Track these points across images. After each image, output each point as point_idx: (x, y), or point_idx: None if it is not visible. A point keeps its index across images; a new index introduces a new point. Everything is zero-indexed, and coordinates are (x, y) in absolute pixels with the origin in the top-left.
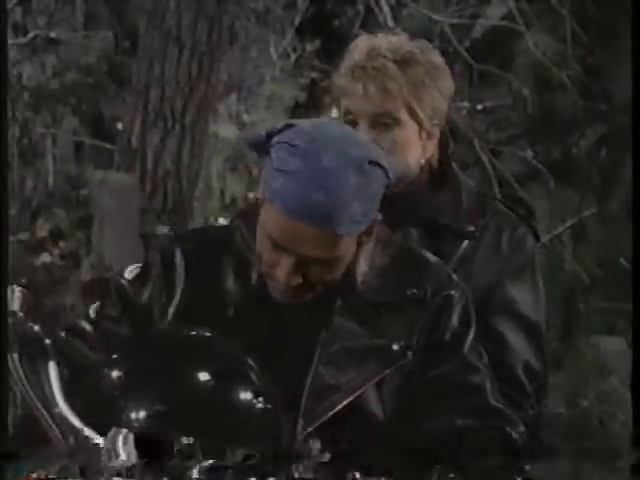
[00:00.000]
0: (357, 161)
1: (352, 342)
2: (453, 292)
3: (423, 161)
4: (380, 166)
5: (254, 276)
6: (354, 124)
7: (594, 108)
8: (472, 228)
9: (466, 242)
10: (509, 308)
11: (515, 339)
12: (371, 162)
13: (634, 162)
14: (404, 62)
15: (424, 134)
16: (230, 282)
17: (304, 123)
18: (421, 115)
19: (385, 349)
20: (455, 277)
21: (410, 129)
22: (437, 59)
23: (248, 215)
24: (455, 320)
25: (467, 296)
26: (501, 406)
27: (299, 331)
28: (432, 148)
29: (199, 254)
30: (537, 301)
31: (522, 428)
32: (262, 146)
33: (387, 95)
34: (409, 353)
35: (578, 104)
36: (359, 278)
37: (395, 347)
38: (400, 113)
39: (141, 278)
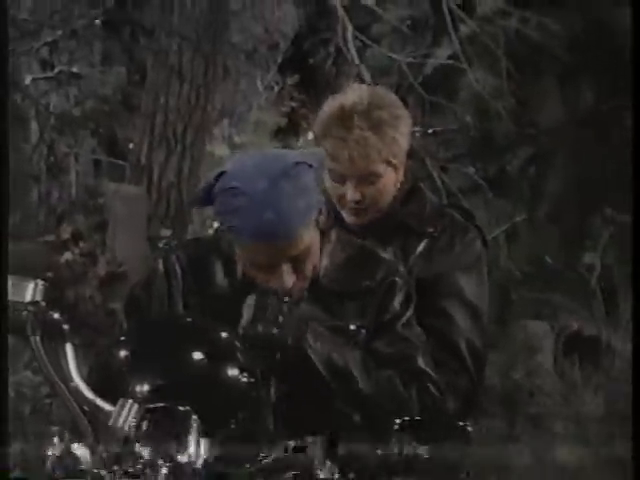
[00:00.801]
0: (281, 171)
1: (317, 324)
2: (397, 279)
3: (398, 185)
4: (302, 163)
5: (239, 271)
6: (343, 181)
7: (524, 133)
8: (431, 230)
9: (426, 240)
10: (458, 295)
11: (461, 320)
12: (293, 164)
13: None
14: (375, 126)
15: (397, 170)
16: (219, 277)
17: (231, 166)
18: (394, 162)
19: (344, 329)
20: (401, 269)
21: (388, 175)
22: (396, 105)
23: None
24: (397, 304)
25: (409, 283)
26: (429, 370)
27: None
28: (402, 173)
29: (192, 258)
30: (482, 292)
31: (460, 394)
32: (206, 200)
33: (369, 160)
34: (362, 331)
35: (511, 130)
36: (322, 272)
37: (352, 327)
38: (380, 169)
39: (148, 280)
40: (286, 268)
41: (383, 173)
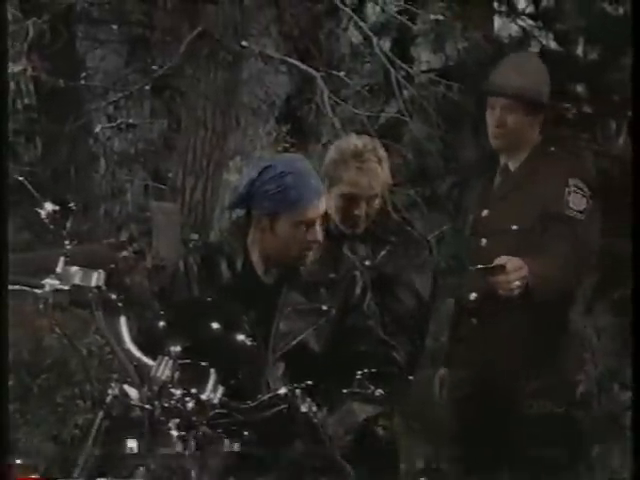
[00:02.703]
0: (300, 157)
1: (298, 306)
2: (356, 273)
3: (378, 205)
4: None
5: (239, 266)
6: (351, 200)
7: (449, 166)
8: (393, 239)
9: (388, 246)
10: (410, 286)
11: (410, 303)
12: (301, 155)
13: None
14: (379, 161)
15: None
16: (224, 270)
17: (266, 163)
18: (384, 188)
19: (318, 309)
20: (359, 265)
21: (379, 196)
22: (383, 150)
23: (232, 234)
24: (358, 290)
25: (365, 277)
26: (387, 338)
27: (267, 300)
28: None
29: (204, 257)
30: (426, 284)
31: (402, 353)
32: (247, 195)
33: (377, 184)
34: (332, 310)
35: (440, 163)
36: (301, 267)
37: (324, 307)
38: (378, 192)
39: (172, 274)
40: (318, 226)
41: (379, 194)
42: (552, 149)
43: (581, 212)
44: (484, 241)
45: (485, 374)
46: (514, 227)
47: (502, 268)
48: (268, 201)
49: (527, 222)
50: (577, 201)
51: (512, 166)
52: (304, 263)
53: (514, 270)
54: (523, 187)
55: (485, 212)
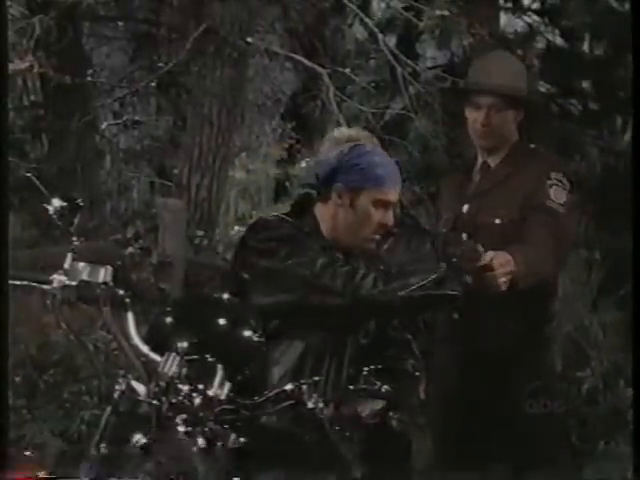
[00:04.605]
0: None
1: None
2: (381, 267)
3: None
4: None
5: (316, 240)
6: None
7: (454, 162)
8: (395, 230)
9: (392, 238)
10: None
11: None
12: None
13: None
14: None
15: None
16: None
17: (354, 144)
18: None
19: None
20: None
21: None
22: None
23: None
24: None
25: (379, 272)
26: (401, 329)
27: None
28: None
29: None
30: (430, 275)
31: (417, 346)
32: (338, 167)
33: None
34: None
35: (445, 160)
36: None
37: None
38: None
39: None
40: (391, 212)
41: None
42: (532, 146)
43: (562, 204)
44: (464, 237)
45: (470, 368)
46: (497, 221)
47: (489, 266)
48: (356, 174)
49: (509, 215)
50: (558, 194)
51: (492, 163)
52: (368, 247)
53: (500, 266)
54: (504, 182)
55: (465, 208)
